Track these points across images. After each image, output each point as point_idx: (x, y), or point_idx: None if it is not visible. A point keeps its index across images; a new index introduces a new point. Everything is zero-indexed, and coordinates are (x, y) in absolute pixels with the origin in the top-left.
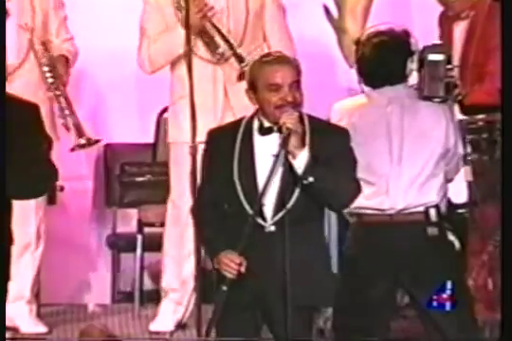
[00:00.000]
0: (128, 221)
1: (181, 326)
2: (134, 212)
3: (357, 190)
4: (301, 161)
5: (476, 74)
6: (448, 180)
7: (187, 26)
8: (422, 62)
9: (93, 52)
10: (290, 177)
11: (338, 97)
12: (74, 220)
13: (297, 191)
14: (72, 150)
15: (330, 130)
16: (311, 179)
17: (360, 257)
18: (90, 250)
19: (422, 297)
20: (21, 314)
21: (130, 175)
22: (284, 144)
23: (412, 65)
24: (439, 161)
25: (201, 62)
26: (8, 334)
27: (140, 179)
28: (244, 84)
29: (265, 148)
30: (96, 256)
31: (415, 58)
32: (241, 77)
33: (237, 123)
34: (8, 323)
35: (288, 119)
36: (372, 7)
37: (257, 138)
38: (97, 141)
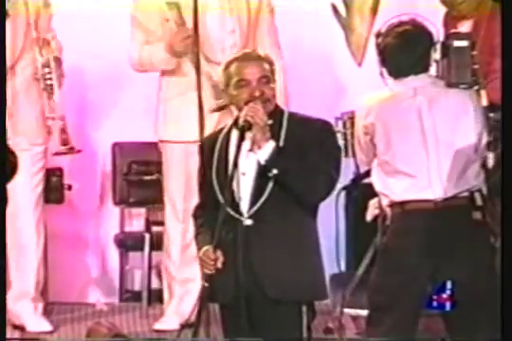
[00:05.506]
0: (136, 219)
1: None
2: (141, 211)
3: (330, 183)
4: (265, 153)
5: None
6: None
7: (195, 22)
8: (447, 50)
9: (97, 50)
10: (262, 170)
11: (341, 96)
12: (82, 218)
13: (270, 184)
14: (55, 154)
15: (309, 123)
16: (275, 171)
17: (402, 246)
18: (98, 249)
19: (460, 284)
20: (26, 312)
21: (138, 174)
22: (241, 137)
23: (435, 55)
24: (475, 147)
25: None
26: (16, 333)
27: (148, 178)
28: None
29: (243, 144)
30: (103, 254)
31: (438, 47)
32: None
33: (227, 125)
34: (15, 321)
35: (249, 112)
36: (379, 6)
37: (234, 135)
38: (78, 151)
